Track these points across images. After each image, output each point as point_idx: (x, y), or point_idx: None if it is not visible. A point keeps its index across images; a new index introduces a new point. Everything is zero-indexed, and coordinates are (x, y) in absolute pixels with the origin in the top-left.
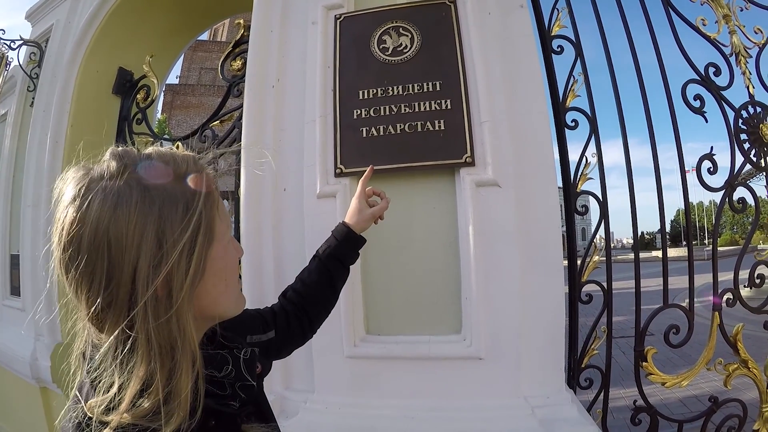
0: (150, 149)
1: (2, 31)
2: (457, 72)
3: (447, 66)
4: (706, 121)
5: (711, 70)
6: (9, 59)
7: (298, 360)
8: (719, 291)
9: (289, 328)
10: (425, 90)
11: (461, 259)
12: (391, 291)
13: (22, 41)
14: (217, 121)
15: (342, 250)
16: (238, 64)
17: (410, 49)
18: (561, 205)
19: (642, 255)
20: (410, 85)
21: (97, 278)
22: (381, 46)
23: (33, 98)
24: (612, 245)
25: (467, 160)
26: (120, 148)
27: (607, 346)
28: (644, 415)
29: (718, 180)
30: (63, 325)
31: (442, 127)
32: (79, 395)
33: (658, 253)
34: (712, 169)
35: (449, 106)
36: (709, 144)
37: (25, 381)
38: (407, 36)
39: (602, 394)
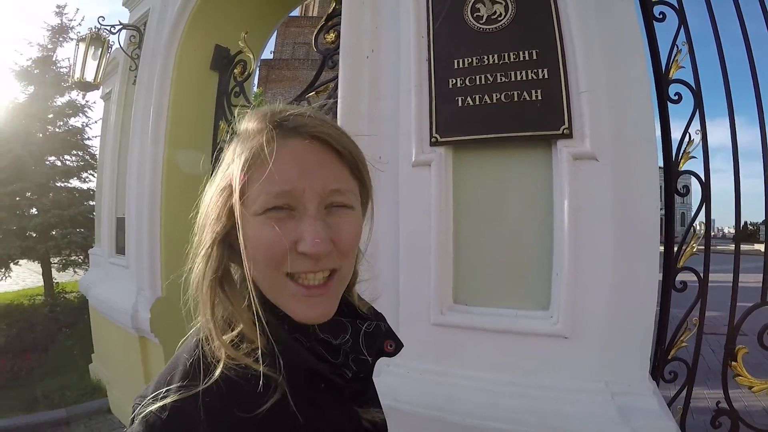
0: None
1: (102, 18)
2: (553, 40)
3: (543, 34)
4: None
5: None
6: (110, 43)
7: None
8: None
9: None
10: (521, 59)
11: (554, 234)
12: (480, 262)
13: (121, 26)
14: (313, 92)
15: None
16: (331, 36)
17: (505, 17)
18: (660, 185)
19: (744, 247)
20: (506, 54)
21: None
22: (475, 15)
23: (135, 77)
24: (712, 234)
25: (564, 131)
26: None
27: (697, 339)
28: (725, 419)
29: None
30: (163, 282)
31: (539, 97)
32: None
33: (761, 247)
34: None
35: (546, 76)
36: None
37: (126, 331)
38: (501, 4)
39: (685, 389)
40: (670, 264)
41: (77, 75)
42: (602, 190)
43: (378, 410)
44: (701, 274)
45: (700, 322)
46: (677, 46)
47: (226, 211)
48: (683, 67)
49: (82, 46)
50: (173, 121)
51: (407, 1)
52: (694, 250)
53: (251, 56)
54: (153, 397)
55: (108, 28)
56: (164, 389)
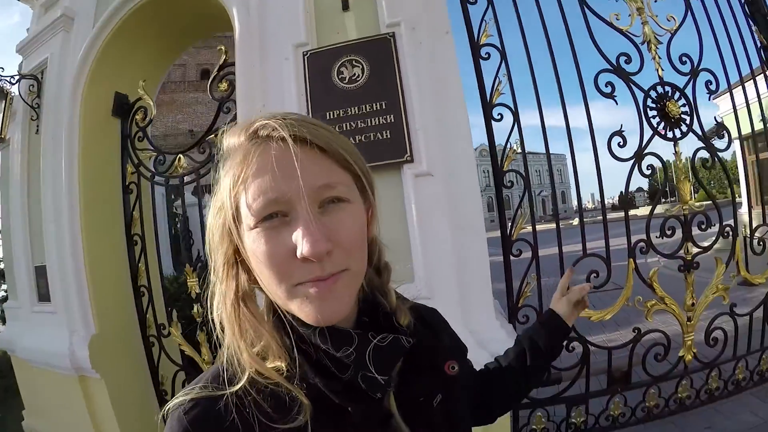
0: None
1: (1, 69)
2: (397, 92)
3: (390, 88)
4: (617, 104)
5: (622, 59)
6: (12, 94)
7: None
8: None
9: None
10: (375, 109)
11: (409, 230)
12: None
13: (20, 76)
14: (213, 135)
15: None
16: (224, 85)
17: (362, 77)
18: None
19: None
20: (364, 106)
21: None
22: (340, 76)
23: (38, 126)
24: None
25: (407, 158)
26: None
27: (538, 285)
28: (578, 345)
29: (628, 152)
30: (95, 319)
31: (389, 136)
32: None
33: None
34: (621, 143)
35: (393, 120)
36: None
37: (63, 375)
38: (359, 66)
39: None
40: (506, 238)
41: None
42: (437, 194)
43: None
44: (532, 243)
45: (537, 273)
46: (499, 78)
47: (226, 231)
48: (504, 93)
49: None
50: (84, 167)
51: (288, 66)
52: (522, 225)
53: (151, 103)
54: (182, 394)
55: (8, 78)
56: (192, 386)
